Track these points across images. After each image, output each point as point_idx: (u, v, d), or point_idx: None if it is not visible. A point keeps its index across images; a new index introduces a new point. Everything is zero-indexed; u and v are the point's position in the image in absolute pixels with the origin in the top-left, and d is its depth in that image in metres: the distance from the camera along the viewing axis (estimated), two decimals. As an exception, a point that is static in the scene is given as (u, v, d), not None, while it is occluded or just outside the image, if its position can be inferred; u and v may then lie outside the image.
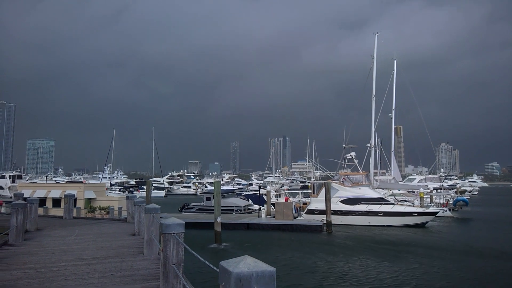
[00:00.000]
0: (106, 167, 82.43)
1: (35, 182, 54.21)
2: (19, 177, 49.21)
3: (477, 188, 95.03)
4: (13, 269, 7.34)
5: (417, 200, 34.79)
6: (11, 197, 35.43)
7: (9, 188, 43.36)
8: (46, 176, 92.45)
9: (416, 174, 67.57)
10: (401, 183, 42.48)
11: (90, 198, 25.73)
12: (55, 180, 73.57)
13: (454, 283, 13.16)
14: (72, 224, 15.23)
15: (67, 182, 50.86)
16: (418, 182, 47.40)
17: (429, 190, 39.99)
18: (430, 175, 55.76)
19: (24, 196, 16.35)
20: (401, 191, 37.58)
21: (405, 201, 33.87)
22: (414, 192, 37.95)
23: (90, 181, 60.43)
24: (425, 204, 33.45)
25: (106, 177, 77.63)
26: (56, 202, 24.19)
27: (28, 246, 9.92)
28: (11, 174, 49.42)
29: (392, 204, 29.79)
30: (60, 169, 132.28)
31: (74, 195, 18.32)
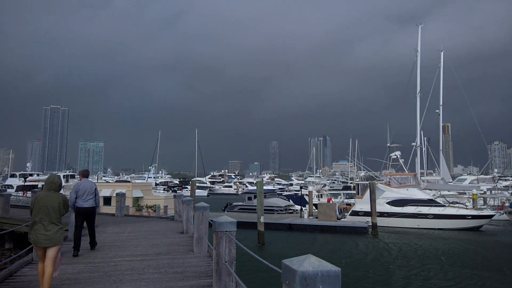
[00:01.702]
0: (151, 167, 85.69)
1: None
2: (72, 176, 52.29)
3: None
4: (74, 263, 7.78)
5: (469, 202, 32.82)
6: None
7: (63, 187, 46.20)
8: (97, 176, 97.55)
9: (467, 175, 63.85)
10: (451, 183, 40.29)
11: (138, 197, 26.82)
12: (105, 180, 77.48)
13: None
14: (123, 221, 15.94)
15: (116, 181, 53.31)
16: (469, 183, 44.72)
17: (482, 192, 37.59)
18: (482, 176, 52.39)
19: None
20: (451, 192, 35.64)
21: (457, 203, 32.07)
22: (465, 193, 35.86)
23: (137, 181, 63.02)
24: (478, 207, 31.49)
25: (151, 177, 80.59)
26: (107, 200, 25.45)
27: (86, 241, 10.46)
28: (65, 173, 52.67)
29: (443, 206, 28.33)
30: (109, 169, 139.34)
31: (124, 193, 19.19)
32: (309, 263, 2.54)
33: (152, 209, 24.60)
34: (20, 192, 38.69)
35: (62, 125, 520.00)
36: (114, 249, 9.36)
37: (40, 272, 5.61)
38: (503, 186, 52.28)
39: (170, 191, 53.02)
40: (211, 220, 6.20)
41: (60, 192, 6.29)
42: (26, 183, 44.46)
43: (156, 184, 68.75)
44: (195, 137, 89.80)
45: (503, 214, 32.15)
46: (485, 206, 33.83)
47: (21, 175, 50.69)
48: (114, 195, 19.19)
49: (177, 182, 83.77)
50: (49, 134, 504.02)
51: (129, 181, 48.01)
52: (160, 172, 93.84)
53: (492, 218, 28.11)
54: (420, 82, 35.14)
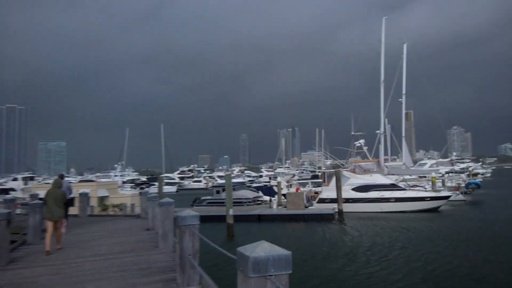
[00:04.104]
0: (117, 165, 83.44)
1: (49, 183, 55.11)
2: (32, 178, 50.02)
3: (490, 171, 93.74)
4: (33, 266, 7.54)
5: (429, 184, 34.51)
6: (24, 199, 36.08)
7: (22, 190, 44.12)
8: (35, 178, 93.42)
9: (428, 159, 66.93)
10: (412, 168, 42.15)
11: (103, 196, 26.11)
12: (68, 180, 74.39)
13: (469, 269, 13.13)
14: (87, 222, 15.51)
15: (80, 181, 51.56)
16: (429, 167, 46.99)
17: (441, 174, 39.60)
18: (441, 159, 55.10)
19: (39, 196, 16.66)
20: (412, 177, 37.30)
21: (417, 186, 33.63)
22: (425, 177, 37.64)
23: (102, 180, 61.20)
24: (437, 189, 33.17)
25: (117, 175, 78.53)
26: (69, 202, 24.57)
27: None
28: (24, 176, 50.27)
29: (404, 189, 29.64)
30: (72, 169, 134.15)
31: (88, 193, 18.63)
32: (261, 249, 2.66)
33: (118, 208, 24.06)
34: None
35: (20, 124, 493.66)
36: (76, 250, 9.13)
37: (48, 236, 8.85)
38: (460, 169, 55.21)
39: (138, 188, 51.96)
40: (176, 216, 6.19)
41: (61, 188, 9.82)
42: None
43: (123, 182, 67.10)
44: (161, 133, 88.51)
45: (459, 194, 34.09)
46: (442, 188, 35.70)
47: None
48: (77, 195, 18.57)
49: (145, 179, 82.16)
50: (5, 134, 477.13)
51: (93, 181, 46.54)
52: (127, 169, 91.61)
53: (449, 199, 29.78)
54: (384, 71, 36.33)
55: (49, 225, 9.02)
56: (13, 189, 43.90)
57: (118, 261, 7.66)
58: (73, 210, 17.48)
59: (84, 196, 17.91)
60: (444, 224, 22.61)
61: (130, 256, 8.09)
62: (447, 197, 29.26)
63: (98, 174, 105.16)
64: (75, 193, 19.75)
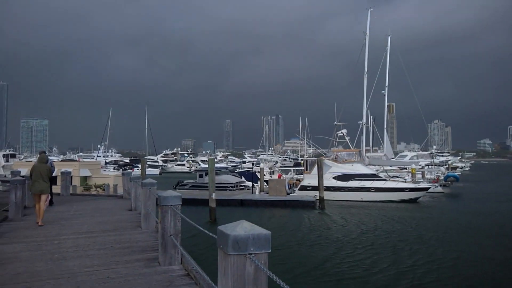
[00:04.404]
0: (100, 145, 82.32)
1: (31, 161, 54.07)
2: (13, 156, 49.01)
3: (469, 165, 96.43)
4: (15, 242, 7.55)
5: (409, 176, 35.40)
6: (5, 176, 35.37)
7: (3, 167, 43.23)
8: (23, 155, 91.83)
9: (408, 151, 68.32)
10: (393, 159, 43.06)
11: (86, 176, 25.87)
12: (50, 159, 73.01)
13: (443, 257, 13.73)
14: (69, 200, 15.43)
15: (62, 160, 50.74)
16: (409, 159, 48.07)
17: (421, 167, 40.63)
18: (421, 152, 56.43)
19: (21, 174, 16.44)
20: (393, 168, 38.17)
21: (397, 177, 34.48)
22: (405, 168, 38.56)
23: (85, 160, 60.39)
24: (416, 180, 34.08)
25: (100, 156, 77.55)
26: (52, 180, 24.27)
27: (28, 221, 10.12)
28: (5, 153, 49.15)
29: (384, 180, 30.38)
30: (54, 148, 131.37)
31: (70, 172, 18.45)
32: (241, 228, 2.75)
33: (101, 188, 23.92)
34: None
35: (1, 101, 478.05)
36: (58, 227, 9.16)
37: (37, 209, 9.61)
38: (440, 162, 56.69)
39: (121, 170, 51.54)
40: (158, 196, 6.30)
41: (46, 164, 10.48)
42: None
43: (106, 163, 66.34)
44: (145, 115, 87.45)
45: (437, 186, 35.15)
46: (422, 180, 36.68)
47: None
48: (59, 174, 18.37)
49: (128, 161, 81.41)
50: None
51: (76, 160, 45.88)
52: (110, 151, 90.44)
53: (428, 191, 30.68)
54: (368, 63, 36.67)
55: (35, 198, 9.74)
56: (-6, 167, 42.99)
57: (100, 239, 7.75)
58: (55, 189, 17.39)
59: (66, 175, 17.75)
60: (423, 214, 23.31)
61: (112, 235, 8.18)
62: (426, 189, 30.13)
63: (80, 154, 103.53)
64: (57, 172, 19.58)
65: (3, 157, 45.77)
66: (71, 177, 18.92)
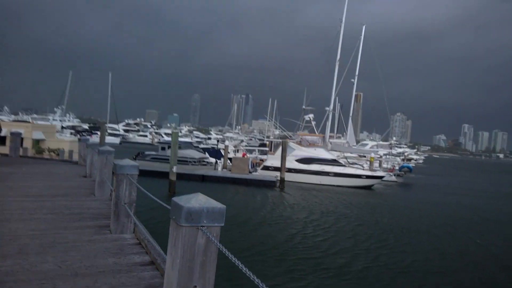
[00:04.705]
0: (57, 109, 78.31)
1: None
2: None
3: (423, 158, 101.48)
4: (-48, 201, 7.05)
5: (367, 164, 36.75)
6: None
7: None
8: None
9: (370, 140, 70.73)
10: (354, 147, 44.42)
11: (39, 139, 24.56)
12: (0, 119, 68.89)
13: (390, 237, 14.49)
14: (18, 162, 14.61)
15: (14, 121, 47.84)
16: (370, 148, 49.84)
17: (379, 156, 42.24)
18: (381, 142, 58.61)
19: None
20: (353, 155, 39.39)
21: (356, 164, 35.68)
22: (365, 156, 39.93)
23: (39, 122, 57.23)
24: (373, 168, 35.45)
25: (57, 120, 73.94)
26: (1, 140, 22.84)
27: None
28: None
29: (344, 166, 31.36)
30: (5, 107, 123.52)
31: (21, 133, 17.42)
32: (196, 200, 2.72)
33: (55, 153, 22.83)
34: None
35: None
36: (3, 189, 8.65)
37: None
38: (397, 153, 59.17)
39: (78, 135, 49.49)
40: (114, 163, 6.07)
41: None
42: None
43: (63, 128, 63.47)
44: (109, 82, 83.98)
45: (392, 176, 36.81)
46: (379, 169, 38.22)
47: None
48: (9, 135, 17.30)
49: (87, 127, 78.27)
50: None
51: (28, 122, 43.42)
52: (68, 115, 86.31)
53: (383, 179, 32.08)
54: (341, 51, 36.98)
55: None
56: None
57: (49, 204, 7.41)
58: (2, 150, 16.44)
59: (16, 136, 16.74)
60: (377, 201, 24.47)
61: (62, 200, 7.85)
62: (381, 177, 31.48)
63: (34, 116, 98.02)
64: (6, 132, 18.50)
65: None
66: (22, 138, 17.90)
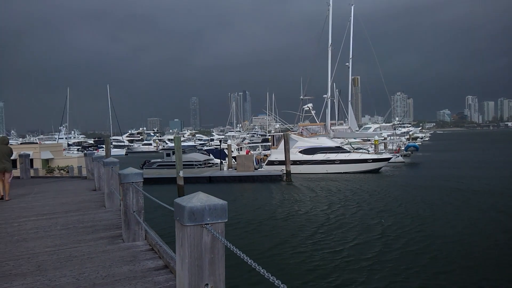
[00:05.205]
0: (62, 127, 79.10)
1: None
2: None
3: (428, 135, 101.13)
4: (-30, 227, 7.28)
5: (372, 147, 36.77)
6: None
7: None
8: None
9: (372, 123, 70.51)
10: (357, 132, 44.45)
11: (48, 159, 24.95)
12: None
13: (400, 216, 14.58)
14: (30, 183, 14.92)
15: (22, 143, 48.43)
16: (373, 131, 49.77)
17: (383, 138, 42.21)
18: (384, 124, 58.43)
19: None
20: (357, 140, 39.41)
21: (361, 149, 35.71)
22: (369, 140, 39.92)
23: (46, 142, 57.84)
24: (379, 151, 35.47)
25: (62, 138, 74.63)
26: (12, 163, 23.22)
27: (-16, 205, 9.76)
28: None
29: (348, 152, 31.40)
30: (12, 131, 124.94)
31: (29, 155, 17.75)
32: (197, 199, 2.77)
33: (64, 170, 23.20)
34: None
35: None
36: (18, 210, 8.91)
37: (1, 187, 10.73)
38: (401, 133, 59.04)
39: (85, 151, 49.97)
40: (119, 174, 6.24)
41: (7, 145, 11.35)
42: None
43: (69, 145, 64.09)
44: (108, 94, 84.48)
45: (399, 156, 36.77)
46: (384, 151, 38.21)
47: None
48: (18, 157, 17.63)
49: (92, 142, 78.92)
50: None
51: (36, 143, 43.89)
52: (73, 132, 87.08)
53: (390, 161, 32.08)
54: (332, 36, 36.79)
55: (0, 176, 10.77)
56: None
57: (63, 219, 7.64)
58: (14, 173, 16.72)
59: (25, 158, 17.05)
60: (387, 184, 24.25)
61: (75, 215, 8.07)
62: (387, 159, 31.47)
63: (41, 136, 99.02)
64: (15, 155, 18.79)
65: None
66: (31, 159, 18.22)
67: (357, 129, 47.71)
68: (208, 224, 2.72)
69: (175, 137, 22.29)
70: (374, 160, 30.75)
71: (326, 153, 30.48)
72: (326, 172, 29.85)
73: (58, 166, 23.90)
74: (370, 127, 54.60)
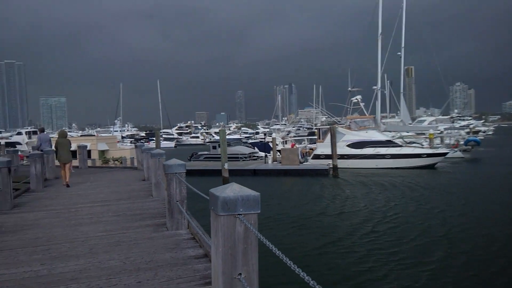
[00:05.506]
0: (116, 121, 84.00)
1: (52, 137, 55.86)
2: (35, 133, 50.68)
3: (492, 128, 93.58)
4: (36, 210, 8.06)
5: (426, 141, 34.78)
6: (29, 152, 36.76)
7: (26, 143, 44.89)
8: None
9: (427, 116, 66.76)
10: (410, 125, 42.29)
11: (103, 150, 26.65)
12: (48, 134, 75.32)
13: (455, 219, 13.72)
14: (87, 172, 16.11)
15: (81, 135, 52.27)
16: (428, 124, 47.08)
17: (439, 132, 39.76)
18: (441, 116, 55.04)
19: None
20: (409, 133, 37.54)
21: (414, 143, 33.94)
22: (423, 134, 37.82)
23: (102, 135, 61.84)
24: (434, 146, 33.49)
25: (117, 131, 79.24)
26: (72, 154, 25.23)
27: (48, 191, 10.71)
28: (27, 130, 50.92)
29: (400, 146, 30.00)
30: (74, 124, 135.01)
31: (87, 146, 19.13)
32: (231, 190, 2.83)
33: (118, 161, 24.65)
34: None
35: (20, 81, 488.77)
36: (75, 197, 9.65)
37: (63, 174, 11.88)
38: (460, 126, 55.30)
39: (136, 143, 52.67)
40: (163, 164, 6.51)
41: (66, 138, 12.64)
42: None
43: (123, 137, 67.86)
44: (158, 90, 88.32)
45: (457, 151, 34.42)
46: (440, 145, 36.00)
47: None
48: (77, 148, 19.10)
49: (144, 135, 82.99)
50: (7, 90, 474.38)
51: (94, 135, 47.08)
52: (126, 125, 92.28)
53: (447, 156, 30.09)
54: (382, 24, 35.20)
55: (62, 166, 11.99)
56: (18, 143, 44.74)
57: (114, 207, 8.15)
58: (74, 163, 18.10)
59: (83, 149, 18.37)
60: (444, 180, 22.79)
61: (125, 203, 8.58)
62: (444, 154, 29.58)
63: (98, 129, 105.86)
64: (74, 147, 20.31)
65: (26, 134, 47.53)
66: (89, 151, 19.58)
67: (410, 122, 45.42)
68: (241, 214, 2.76)
69: (220, 130, 22.77)
70: (428, 155, 29.08)
71: (375, 147, 29.38)
72: (376, 167, 28.80)
73: (112, 157, 25.46)
74: (425, 120, 51.57)
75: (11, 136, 51.42)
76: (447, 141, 38.25)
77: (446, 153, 29.85)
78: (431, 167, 28.69)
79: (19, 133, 49.37)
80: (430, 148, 31.46)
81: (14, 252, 5.15)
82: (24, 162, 27.68)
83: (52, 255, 4.95)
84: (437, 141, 36.99)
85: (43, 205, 8.65)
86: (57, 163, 12.88)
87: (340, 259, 9.55)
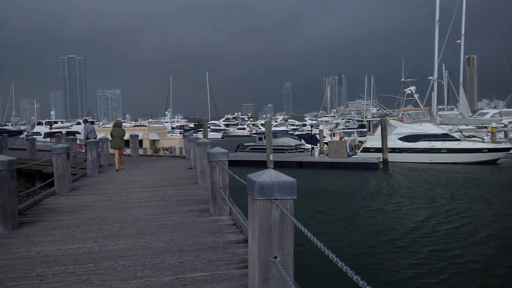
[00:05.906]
0: (167, 112, 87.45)
1: (107, 127, 59.58)
2: (92, 123, 54.30)
3: None
4: (91, 194, 8.66)
5: (488, 136, 32.31)
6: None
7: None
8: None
9: (490, 108, 61.87)
10: (470, 118, 39.50)
11: (154, 140, 27.92)
12: (92, 125, 79.76)
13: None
14: (138, 160, 17.01)
15: (134, 126, 55.16)
16: (490, 117, 43.64)
17: (503, 125, 36.74)
18: (505, 109, 50.77)
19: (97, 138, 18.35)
20: (469, 127, 35.09)
21: (474, 137, 31.67)
22: (485, 127, 35.16)
23: (154, 125, 64.69)
24: (497, 140, 31.02)
25: (167, 121, 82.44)
26: (125, 143, 26.82)
27: (102, 177, 11.46)
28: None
29: (458, 140, 28.15)
30: (127, 115, 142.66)
31: (138, 135, 20.14)
32: (267, 176, 2.85)
33: (168, 151, 25.72)
34: (47, 138, 40.51)
35: (80, 74, 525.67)
36: (127, 183, 10.23)
37: (117, 158, 13.01)
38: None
39: (185, 133, 54.44)
40: (207, 152, 6.67)
41: (121, 127, 13.93)
42: (52, 130, 46.38)
43: (173, 128, 70.44)
44: (207, 82, 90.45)
45: None
46: (504, 140, 33.30)
47: (47, 123, 53.03)
48: (129, 137, 20.26)
49: (192, 126, 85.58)
50: (69, 83, 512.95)
51: (146, 126, 49.37)
52: (176, 116, 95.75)
53: (510, 151, 27.77)
54: (439, 10, 33.01)
55: (116, 152, 13.11)
56: (78, 132, 48.27)
57: (162, 193, 8.53)
58: (127, 151, 19.13)
59: (135, 138, 19.37)
60: (506, 177, 21.15)
61: (172, 189, 8.95)
62: (507, 149, 27.33)
63: (150, 120, 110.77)
64: (127, 136, 21.53)
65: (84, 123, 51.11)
66: (141, 140, 20.60)
67: (470, 114, 42.41)
68: (277, 199, 2.76)
69: (265, 122, 22.83)
70: (490, 150, 27.01)
71: (430, 140, 27.80)
72: (430, 161, 27.27)
73: (162, 146, 26.59)
74: (487, 113, 47.84)
75: (71, 125, 55.51)
76: (511, 135, 35.29)
77: (510, 148, 27.55)
78: (492, 162, 26.62)
79: (79, 123, 53.25)
80: (492, 142, 29.19)
81: (71, 230, 5.59)
82: (82, 150, 29.87)
83: (104, 234, 5.32)
84: (500, 135, 34.26)
85: (97, 189, 9.26)
86: (111, 151, 13.95)
87: (391, 259, 8.99)
